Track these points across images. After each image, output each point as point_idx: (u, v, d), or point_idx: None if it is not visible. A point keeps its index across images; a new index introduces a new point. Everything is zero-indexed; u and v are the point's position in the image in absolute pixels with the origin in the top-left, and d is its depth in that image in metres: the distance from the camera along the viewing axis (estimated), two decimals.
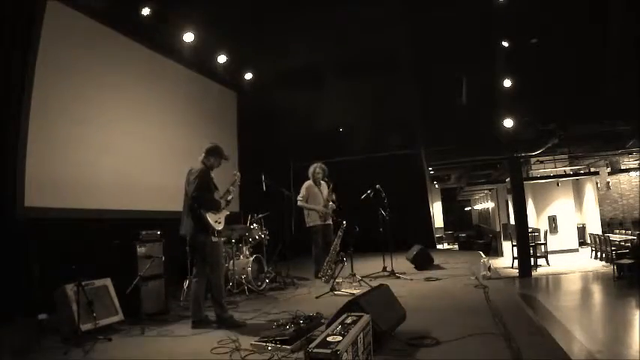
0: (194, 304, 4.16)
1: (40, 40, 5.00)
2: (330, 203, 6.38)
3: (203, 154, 4.26)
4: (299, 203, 6.41)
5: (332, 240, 6.17)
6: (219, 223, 4.19)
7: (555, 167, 15.06)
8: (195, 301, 4.16)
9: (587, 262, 13.36)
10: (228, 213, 4.39)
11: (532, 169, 15.00)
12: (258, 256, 6.06)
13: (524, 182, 11.38)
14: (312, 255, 6.42)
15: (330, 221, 6.42)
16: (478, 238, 20.30)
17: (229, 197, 4.40)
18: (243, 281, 5.59)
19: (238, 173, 4.65)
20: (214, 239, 4.11)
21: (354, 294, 4.64)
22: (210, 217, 4.08)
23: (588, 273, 11.26)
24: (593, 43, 8.35)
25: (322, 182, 6.54)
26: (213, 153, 4.27)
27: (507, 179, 13.08)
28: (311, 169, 6.50)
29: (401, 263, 7.02)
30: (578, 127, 11.01)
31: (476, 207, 29.43)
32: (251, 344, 3.30)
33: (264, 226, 6.44)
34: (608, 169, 17.22)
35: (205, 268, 4.15)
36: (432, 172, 15.00)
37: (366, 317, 2.76)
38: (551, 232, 15.39)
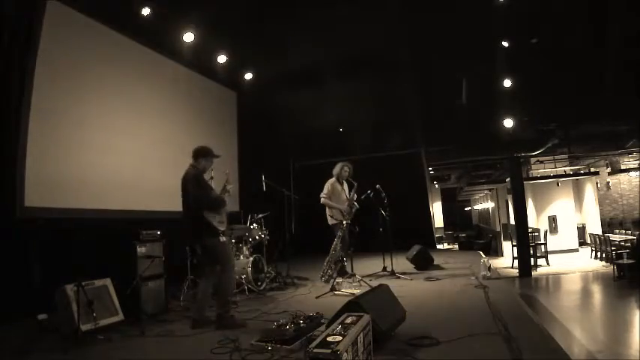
0: (199, 304, 4.16)
1: (40, 40, 5.01)
2: (355, 204, 6.26)
3: (192, 159, 4.25)
4: (322, 200, 6.27)
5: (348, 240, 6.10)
6: (222, 222, 4.20)
7: (555, 167, 15.03)
8: (201, 300, 4.16)
9: (587, 262, 13.34)
10: (228, 211, 4.40)
11: (532, 169, 14.98)
12: (258, 256, 6.05)
13: (524, 182, 11.37)
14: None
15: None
16: (478, 238, 20.29)
17: (227, 195, 4.39)
18: (243, 281, 5.59)
19: (227, 171, 4.60)
20: (222, 239, 4.12)
21: (354, 294, 4.64)
22: (213, 219, 4.08)
23: (588, 273, 11.24)
24: (593, 43, 8.34)
25: (344, 181, 6.47)
26: (202, 154, 4.25)
27: (507, 179, 13.07)
28: (337, 168, 6.41)
29: (401, 263, 7.03)
30: (578, 127, 11.02)
31: (476, 207, 29.39)
32: (251, 344, 3.31)
33: (264, 226, 6.43)
34: (608, 169, 17.18)
35: (216, 269, 4.15)
36: (432, 172, 15.00)
37: (366, 317, 2.76)
38: (551, 232, 15.39)
